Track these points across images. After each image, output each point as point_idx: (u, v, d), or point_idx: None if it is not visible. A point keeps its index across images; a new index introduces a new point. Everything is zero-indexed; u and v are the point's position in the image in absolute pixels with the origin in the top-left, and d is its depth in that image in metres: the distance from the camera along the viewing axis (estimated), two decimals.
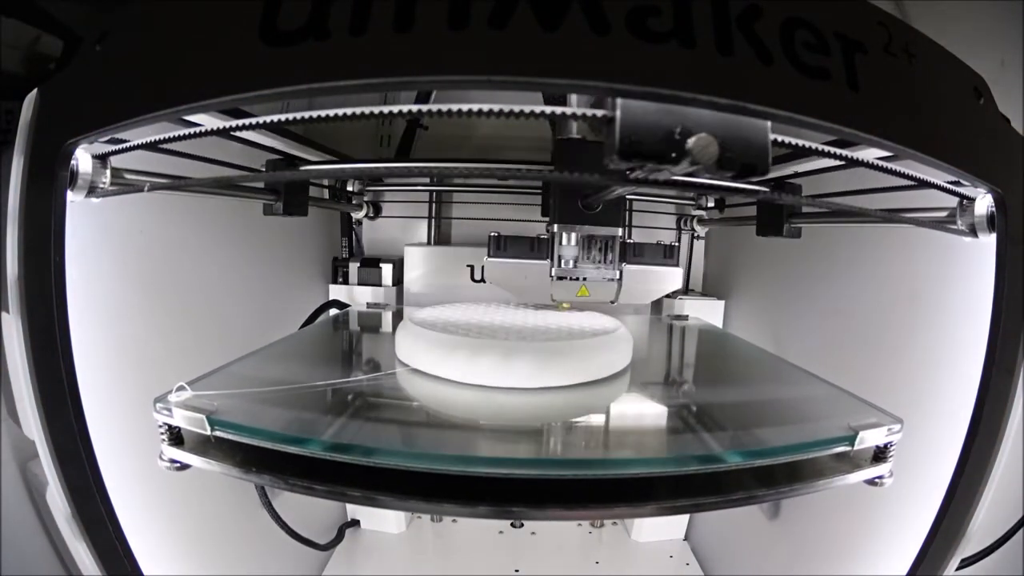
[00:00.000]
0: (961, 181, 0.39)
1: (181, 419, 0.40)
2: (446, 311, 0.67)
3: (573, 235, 0.59)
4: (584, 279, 0.61)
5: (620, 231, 0.60)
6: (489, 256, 0.63)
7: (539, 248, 0.62)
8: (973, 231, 0.42)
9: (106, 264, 0.52)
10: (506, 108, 0.27)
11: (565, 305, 0.67)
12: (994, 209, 0.40)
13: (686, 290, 1.07)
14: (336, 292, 0.99)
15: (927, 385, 0.55)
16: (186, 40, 0.30)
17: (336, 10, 0.26)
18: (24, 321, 0.36)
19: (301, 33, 0.26)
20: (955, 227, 0.44)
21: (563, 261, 0.60)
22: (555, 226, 0.58)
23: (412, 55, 0.25)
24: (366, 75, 0.25)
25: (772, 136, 0.28)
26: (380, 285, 0.99)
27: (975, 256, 0.43)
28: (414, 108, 0.29)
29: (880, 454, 0.43)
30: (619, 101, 0.26)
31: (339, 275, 1.00)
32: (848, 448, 0.41)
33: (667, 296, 1.00)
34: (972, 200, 0.42)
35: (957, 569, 0.43)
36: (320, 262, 1.01)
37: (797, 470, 0.41)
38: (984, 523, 0.42)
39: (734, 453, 0.39)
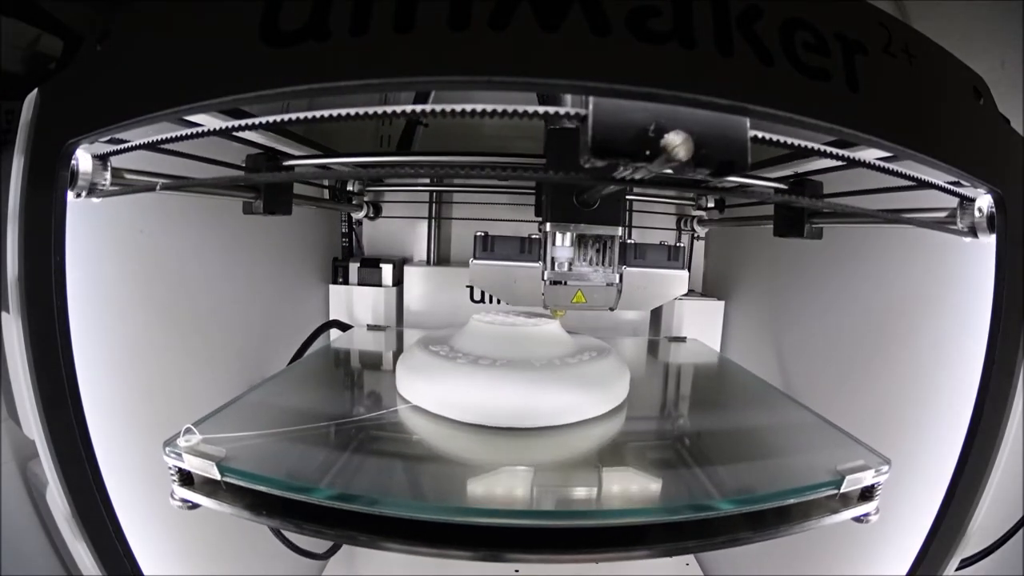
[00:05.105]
0: (961, 181, 0.39)
1: (191, 464, 0.41)
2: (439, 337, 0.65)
3: (567, 235, 0.53)
4: (579, 283, 0.56)
5: (620, 230, 0.54)
6: (475, 258, 0.57)
7: (530, 249, 0.56)
8: (973, 231, 0.42)
9: (106, 263, 0.52)
10: (509, 108, 0.27)
11: (559, 313, 0.62)
12: (994, 209, 0.40)
13: (686, 291, 1.07)
14: (336, 292, 0.99)
15: (928, 383, 0.55)
16: (186, 40, 0.30)
17: (337, 10, 0.26)
18: (24, 321, 0.36)
19: (302, 33, 0.26)
20: (955, 227, 0.43)
21: (556, 263, 0.54)
22: (547, 225, 0.53)
23: (413, 56, 0.25)
24: (366, 75, 0.25)
25: (754, 132, 0.27)
26: (380, 285, 0.99)
27: (975, 256, 0.43)
28: (414, 108, 0.29)
29: (867, 493, 0.43)
30: (591, 99, 0.25)
31: (339, 275, 1.00)
32: (835, 491, 0.42)
33: None
34: (972, 200, 0.42)
35: (957, 569, 0.43)
36: (320, 262, 1.01)
37: (785, 512, 0.42)
38: (984, 523, 0.42)
39: (725, 501, 0.40)
